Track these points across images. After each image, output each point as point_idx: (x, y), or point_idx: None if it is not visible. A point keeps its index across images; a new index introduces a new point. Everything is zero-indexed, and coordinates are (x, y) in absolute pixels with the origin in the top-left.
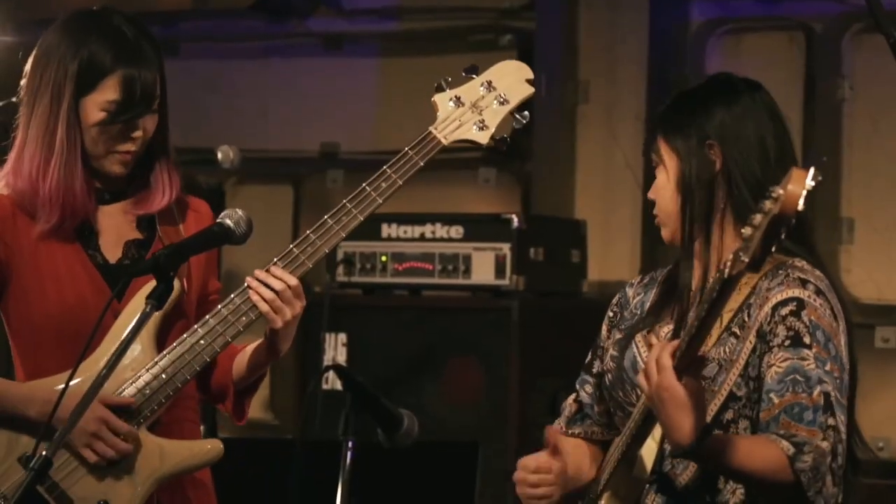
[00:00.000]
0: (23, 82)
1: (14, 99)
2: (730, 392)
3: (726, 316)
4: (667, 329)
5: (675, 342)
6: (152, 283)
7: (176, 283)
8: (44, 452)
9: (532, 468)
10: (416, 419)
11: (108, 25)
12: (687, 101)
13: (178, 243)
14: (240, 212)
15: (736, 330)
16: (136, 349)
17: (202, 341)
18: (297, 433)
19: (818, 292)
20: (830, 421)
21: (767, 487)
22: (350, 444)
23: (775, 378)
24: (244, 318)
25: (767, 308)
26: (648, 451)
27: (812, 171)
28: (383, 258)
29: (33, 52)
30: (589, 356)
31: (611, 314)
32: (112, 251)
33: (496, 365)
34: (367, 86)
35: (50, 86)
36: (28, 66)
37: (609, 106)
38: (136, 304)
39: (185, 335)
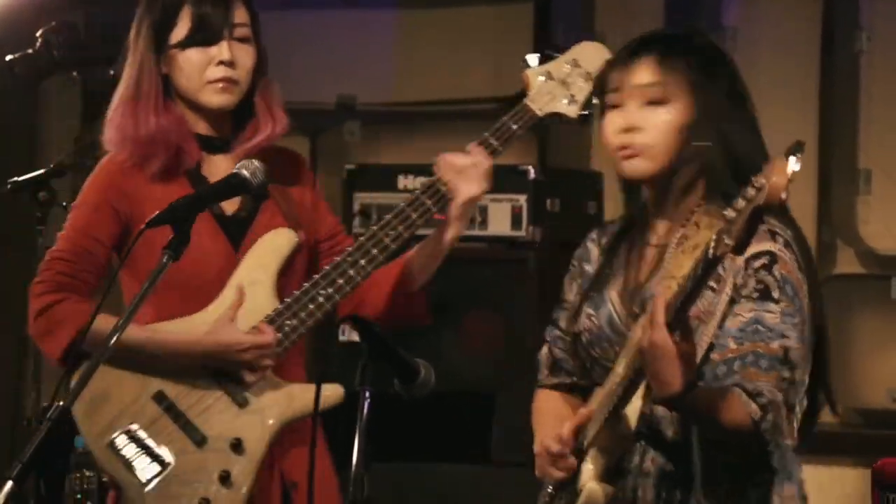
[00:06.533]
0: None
1: (30, 51)
2: (710, 344)
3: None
4: (618, 285)
5: (671, 295)
6: (273, 232)
7: (293, 235)
8: (61, 403)
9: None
10: (433, 370)
11: None
12: (699, 41)
13: (194, 194)
14: (256, 162)
15: (713, 283)
16: (258, 296)
17: (330, 286)
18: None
19: (786, 244)
20: (786, 374)
21: (729, 435)
22: (367, 394)
23: (736, 325)
24: (372, 256)
25: (740, 261)
26: (632, 409)
27: (793, 159)
28: None
29: None
30: (556, 312)
31: (571, 268)
32: (229, 203)
33: (513, 316)
34: (384, 37)
35: (132, 42)
36: None
37: None
38: (253, 256)
39: (306, 283)
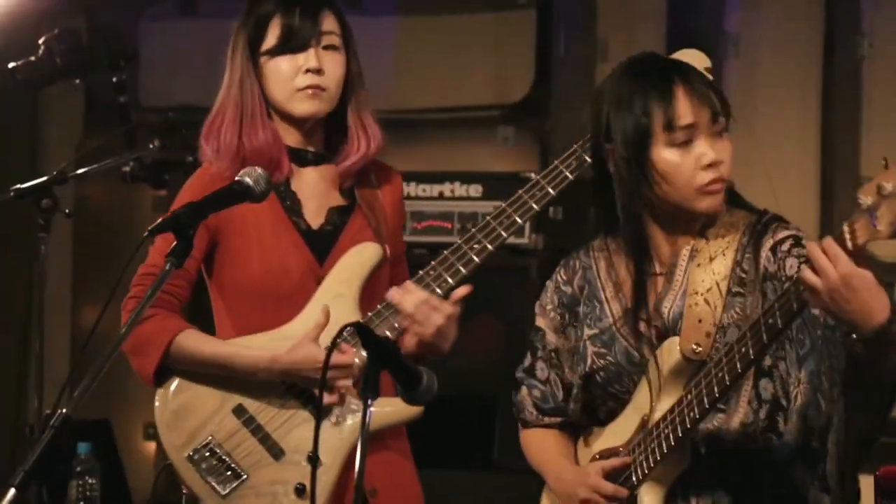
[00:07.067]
0: None
1: (32, 58)
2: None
3: (723, 284)
4: (624, 317)
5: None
6: (357, 248)
7: (379, 249)
8: (64, 410)
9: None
10: (435, 376)
11: None
12: None
13: (198, 201)
14: (259, 170)
15: (738, 289)
16: (341, 311)
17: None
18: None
19: (801, 232)
20: None
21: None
22: (370, 401)
23: None
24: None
25: (765, 252)
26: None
27: None
28: None
29: None
30: (528, 360)
31: (557, 316)
32: (315, 218)
33: (515, 322)
34: (385, 43)
35: (229, 58)
36: None
37: None
38: (337, 270)
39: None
